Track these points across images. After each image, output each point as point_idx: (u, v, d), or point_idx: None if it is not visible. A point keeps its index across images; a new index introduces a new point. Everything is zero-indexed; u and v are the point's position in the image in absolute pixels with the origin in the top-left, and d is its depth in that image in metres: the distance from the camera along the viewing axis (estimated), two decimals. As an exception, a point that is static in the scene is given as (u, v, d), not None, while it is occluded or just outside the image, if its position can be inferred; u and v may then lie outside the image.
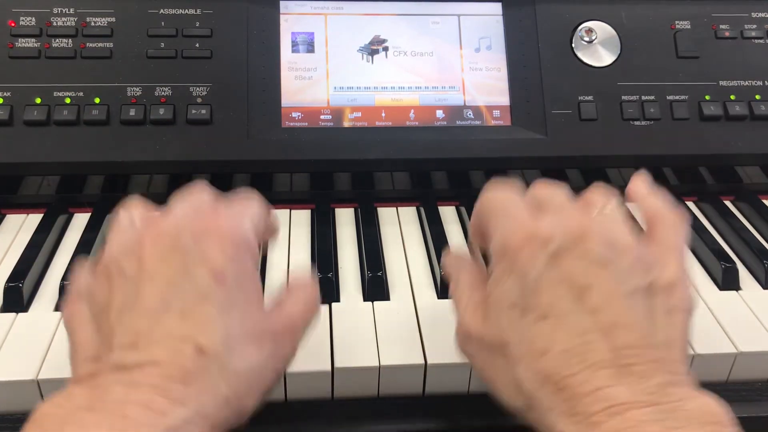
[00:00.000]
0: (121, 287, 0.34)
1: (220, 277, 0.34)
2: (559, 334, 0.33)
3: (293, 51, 0.63)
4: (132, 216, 0.38)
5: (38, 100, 0.58)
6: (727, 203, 0.66)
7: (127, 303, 0.34)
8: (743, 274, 0.56)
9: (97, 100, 0.59)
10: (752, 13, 0.67)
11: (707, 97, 0.64)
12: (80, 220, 0.60)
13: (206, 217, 0.36)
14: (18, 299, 0.50)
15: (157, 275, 0.34)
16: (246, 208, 0.38)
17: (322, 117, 0.62)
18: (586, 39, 0.64)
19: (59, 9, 0.60)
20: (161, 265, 0.34)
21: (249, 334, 0.34)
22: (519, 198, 0.39)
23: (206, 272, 0.34)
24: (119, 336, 0.33)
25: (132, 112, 0.58)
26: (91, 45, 0.60)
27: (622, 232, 0.36)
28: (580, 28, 0.65)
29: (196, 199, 0.38)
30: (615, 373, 0.31)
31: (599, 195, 0.39)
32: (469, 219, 0.62)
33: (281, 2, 0.64)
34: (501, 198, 0.39)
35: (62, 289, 0.50)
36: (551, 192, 0.39)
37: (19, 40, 0.59)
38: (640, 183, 0.42)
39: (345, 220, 0.62)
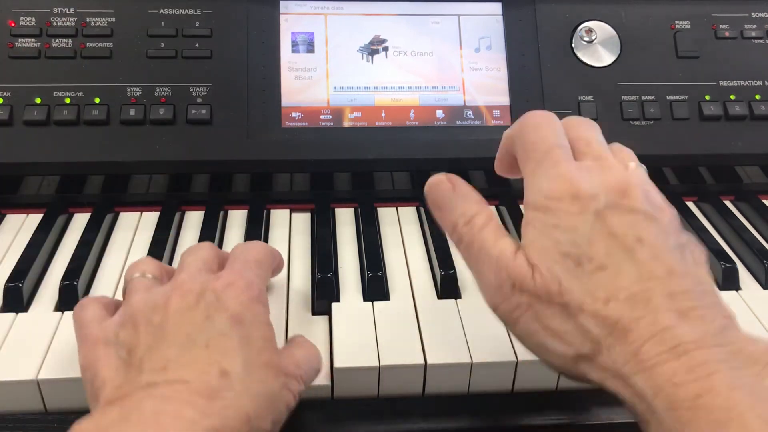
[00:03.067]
0: (149, 332, 0.38)
1: (237, 320, 0.38)
2: (621, 283, 0.33)
3: (293, 51, 0.63)
4: (145, 273, 0.43)
5: (38, 100, 0.58)
6: (727, 203, 0.66)
7: (156, 341, 0.37)
8: (743, 274, 0.56)
9: (97, 100, 0.59)
10: (752, 13, 0.67)
11: (707, 97, 0.64)
12: (80, 220, 0.60)
13: (222, 275, 0.41)
14: (18, 299, 0.50)
15: (183, 320, 0.38)
16: (254, 261, 0.43)
17: (322, 117, 0.62)
18: (586, 39, 0.64)
19: (59, 9, 0.60)
20: (186, 314, 0.38)
21: (265, 365, 0.38)
22: (558, 136, 0.38)
23: (225, 317, 0.38)
24: (148, 363, 0.36)
25: (132, 112, 0.58)
26: (91, 45, 0.60)
27: (655, 189, 0.37)
28: (580, 28, 0.65)
29: (204, 254, 0.43)
30: (678, 316, 0.32)
31: (625, 150, 0.40)
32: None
33: (281, 2, 0.64)
34: (540, 137, 0.38)
35: (62, 290, 0.50)
36: (588, 135, 0.39)
37: (19, 40, 0.59)
38: None
39: (345, 220, 0.62)
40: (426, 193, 0.40)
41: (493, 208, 0.66)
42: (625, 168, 0.37)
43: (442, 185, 0.40)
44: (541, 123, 0.38)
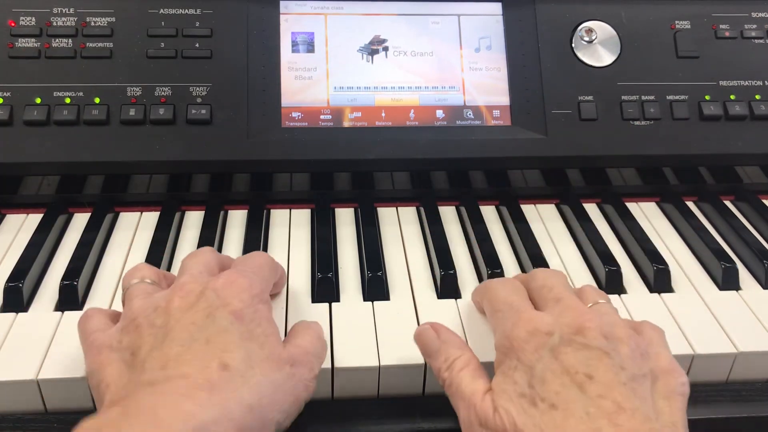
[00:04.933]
0: (152, 334, 0.38)
1: (238, 316, 0.38)
2: (569, 422, 0.35)
3: (293, 51, 0.63)
4: (143, 278, 0.43)
5: (38, 100, 0.58)
6: (727, 203, 0.66)
7: (158, 341, 0.37)
8: (743, 274, 0.56)
9: (97, 100, 0.59)
10: (752, 13, 0.67)
11: (707, 97, 0.64)
12: (80, 220, 0.60)
13: (222, 275, 0.41)
14: (18, 299, 0.50)
15: (184, 319, 0.38)
16: (256, 265, 0.44)
17: (322, 117, 0.62)
18: (586, 39, 0.64)
19: (59, 9, 0.60)
20: (187, 313, 0.39)
21: (267, 357, 0.38)
22: (519, 293, 0.43)
23: (226, 313, 0.38)
24: (150, 362, 0.36)
25: (132, 112, 0.58)
26: (91, 45, 0.60)
27: (618, 322, 0.40)
28: (580, 28, 0.65)
29: (205, 258, 0.44)
30: None
31: (592, 291, 0.44)
32: (469, 219, 0.62)
33: (281, 2, 0.64)
34: (504, 295, 0.43)
35: (62, 289, 0.50)
36: (550, 282, 0.43)
37: (19, 40, 0.59)
38: None
39: (345, 220, 0.62)
40: (415, 341, 0.44)
41: (492, 208, 0.66)
42: (583, 307, 0.40)
43: (427, 333, 0.44)
44: (502, 283, 0.45)
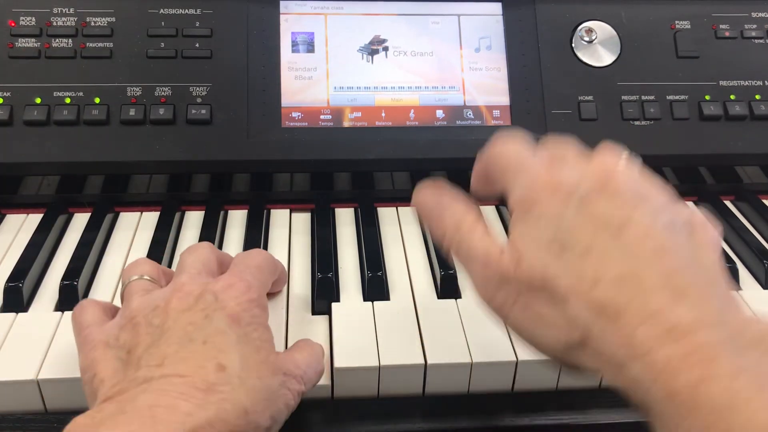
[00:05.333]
0: (149, 333, 0.38)
1: (235, 319, 0.38)
2: (608, 264, 0.32)
3: (293, 51, 0.63)
4: (143, 275, 0.43)
5: (38, 100, 0.58)
6: (727, 203, 0.66)
7: (155, 340, 0.37)
8: (743, 274, 0.56)
9: (97, 100, 0.59)
10: (752, 13, 0.67)
11: (707, 97, 0.64)
12: (80, 220, 0.60)
13: (222, 278, 0.41)
14: (18, 299, 0.50)
15: (181, 319, 0.38)
16: (255, 266, 0.43)
17: (322, 117, 0.62)
18: (586, 39, 0.64)
19: (59, 9, 0.60)
20: (185, 314, 0.39)
21: (263, 362, 0.38)
22: (532, 152, 0.38)
23: (224, 316, 0.38)
24: (146, 359, 0.36)
25: (132, 112, 0.58)
26: (91, 45, 0.60)
27: (648, 176, 0.36)
28: (580, 28, 0.65)
29: (204, 255, 0.43)
30: (673, 296, 0.30)
31: (612, 148, 0.38)
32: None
33: (281, 2, 0.64)
34: (514, 153, 0.38)
35: (62, 289, 0.50)
36: (564, 147, 0.38)
37: (19, 40, 0.59)
38: None
39: (345, 220, 0.62)
40: (414, 206, 0.41)
41: (492, 208, 0.65)
42: (606, 161, 0.36)
43: (427, 196, 0.40)
44: (514, 139, 0.39)
